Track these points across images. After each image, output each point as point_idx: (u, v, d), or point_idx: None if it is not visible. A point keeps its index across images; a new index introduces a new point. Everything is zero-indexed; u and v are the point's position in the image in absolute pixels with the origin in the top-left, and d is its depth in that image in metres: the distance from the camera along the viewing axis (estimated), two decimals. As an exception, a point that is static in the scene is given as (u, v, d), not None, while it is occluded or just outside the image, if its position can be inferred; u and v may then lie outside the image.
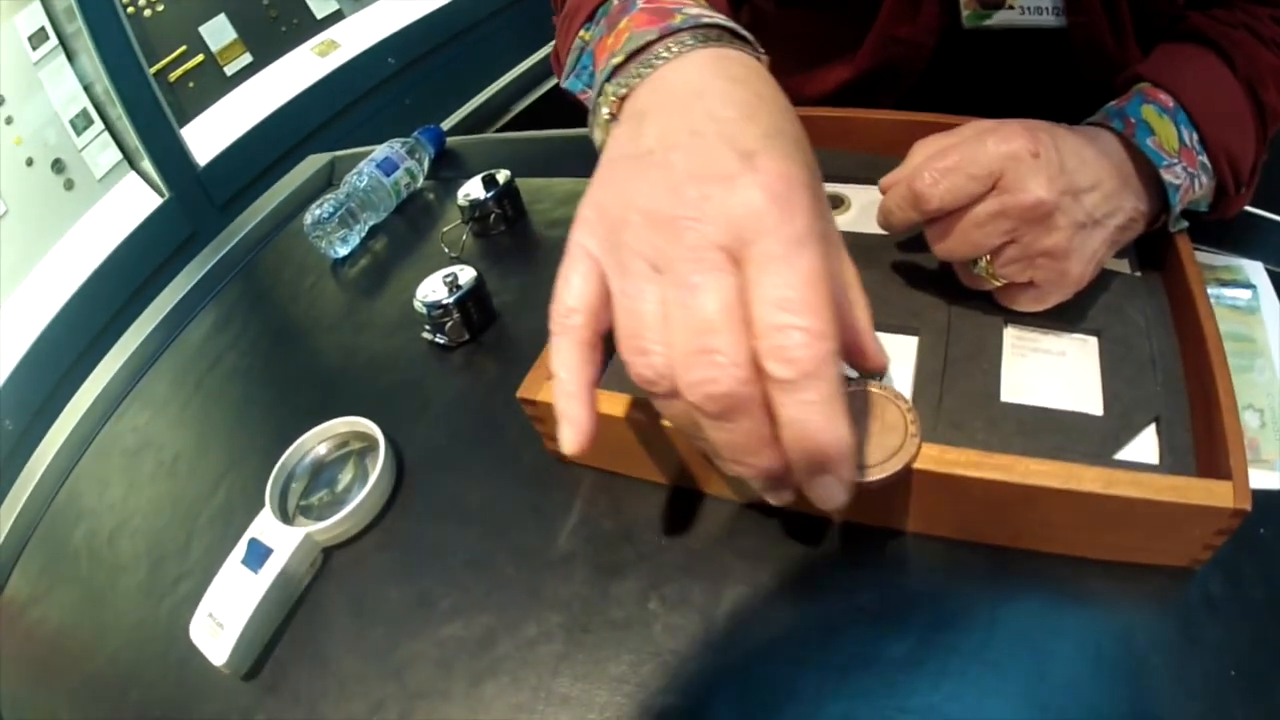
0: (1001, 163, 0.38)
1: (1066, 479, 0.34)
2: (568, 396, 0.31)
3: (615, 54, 0.36)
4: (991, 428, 0.40)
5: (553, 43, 0.55)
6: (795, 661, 0.36)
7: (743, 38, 0.36)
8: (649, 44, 0.34)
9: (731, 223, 0.27)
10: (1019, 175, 0.38)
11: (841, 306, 0.31)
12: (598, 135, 0.37)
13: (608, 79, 0.36)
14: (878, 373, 0.35)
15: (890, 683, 0.35)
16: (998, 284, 0.42)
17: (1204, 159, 0.44)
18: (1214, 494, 0.33)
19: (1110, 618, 0.36)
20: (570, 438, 0.31)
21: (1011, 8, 0.53)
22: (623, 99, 0.35)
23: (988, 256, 0.41)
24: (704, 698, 0.36)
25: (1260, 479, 0.40)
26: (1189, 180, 0.43)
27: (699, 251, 0.27)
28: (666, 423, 0.37)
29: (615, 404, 0.40)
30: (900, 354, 0.44)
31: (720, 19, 0.36)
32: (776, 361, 0.26)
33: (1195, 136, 0.44)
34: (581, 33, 0.44)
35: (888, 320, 0.45)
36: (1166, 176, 0.42)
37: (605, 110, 0.36)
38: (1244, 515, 0.33)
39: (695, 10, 0.36)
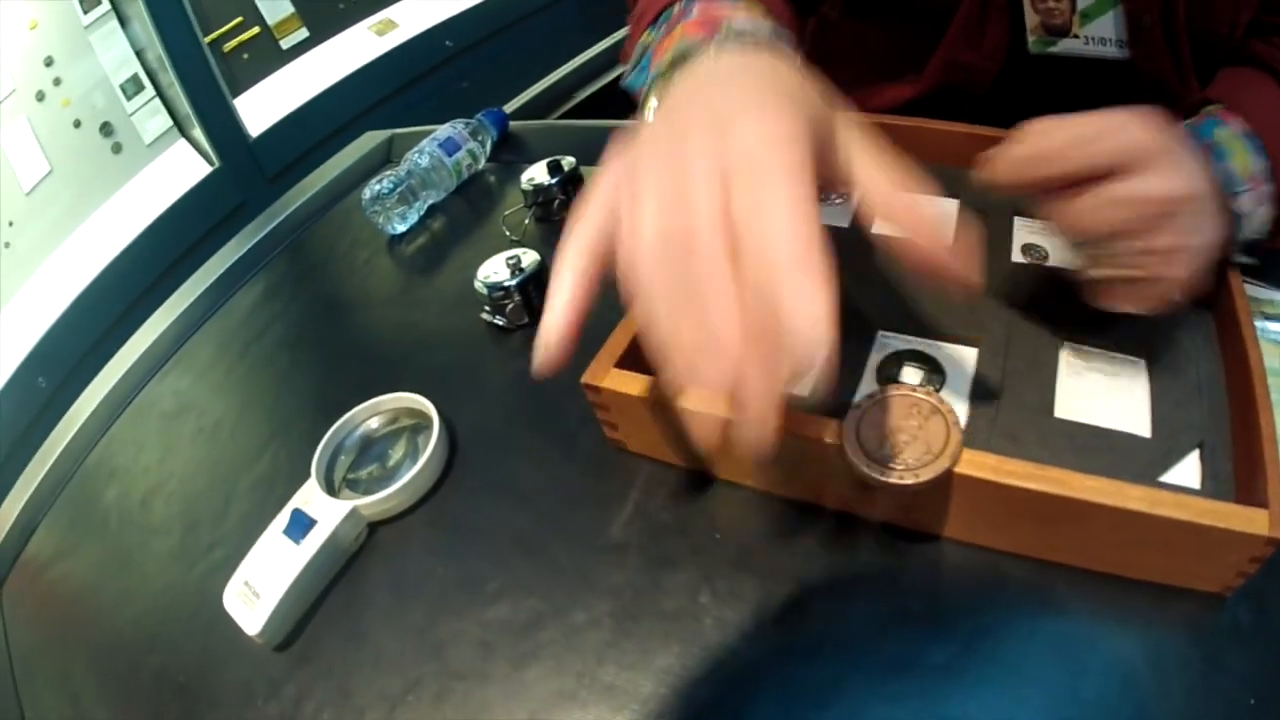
0: (1145, 148, 0.39)
1: (1115, 496, 0.36)
2: (551, 322, 0.33)
3: (664, 59, 0.40)
4: (1044, 442, 0.42)
5: (618, 33, 0.61)
6: (839, 663, 0.37)
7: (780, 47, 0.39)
8: (693, 52, 0.39)
9: (724, 157, 0.30)
10: (1159, 167, 0.38)
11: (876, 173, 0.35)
12: None
13: (652, 87, 0.41)
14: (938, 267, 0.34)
15: (928, 689, 0.36)
16: (1105, 273, 0.42)
17: (1268, 188, 0.45)
18: (1252, 521, 0.34)
19: (1144, 639, 0.37)
20: (541, 359, 0.33)
21: (1076, 37, 0.56)
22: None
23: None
24: (748, 693, 0.37)
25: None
26: (1255, 210, 0.44)
27: (697, 178, 0.31)
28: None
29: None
30: (960, 363, 0.47)
31: (763, 31, 0.40)
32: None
33: (1265, 166, 0.44)
34: (646, 34, 0.48)
35: (950, 329, 0.49)
36: (1242, 204, 0.43)
37: (649, 114, 0.41)
38: (1277, 544, 0.34)
39: (741, 22, 0.40)
